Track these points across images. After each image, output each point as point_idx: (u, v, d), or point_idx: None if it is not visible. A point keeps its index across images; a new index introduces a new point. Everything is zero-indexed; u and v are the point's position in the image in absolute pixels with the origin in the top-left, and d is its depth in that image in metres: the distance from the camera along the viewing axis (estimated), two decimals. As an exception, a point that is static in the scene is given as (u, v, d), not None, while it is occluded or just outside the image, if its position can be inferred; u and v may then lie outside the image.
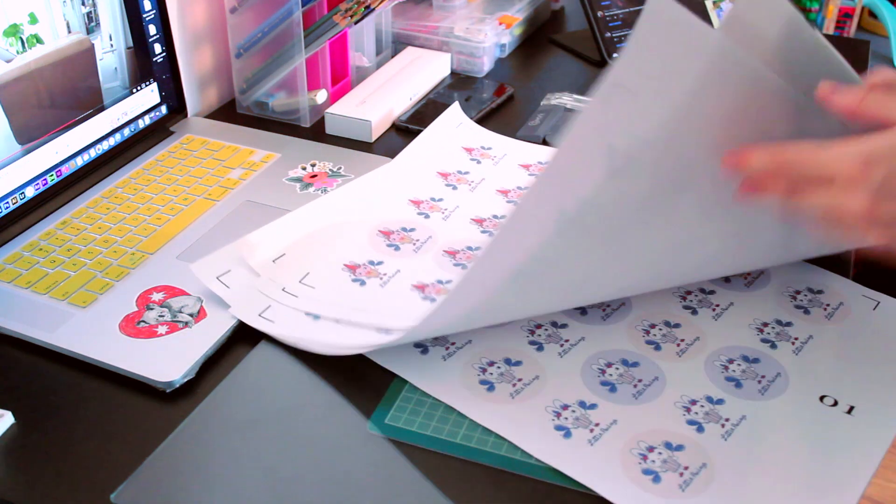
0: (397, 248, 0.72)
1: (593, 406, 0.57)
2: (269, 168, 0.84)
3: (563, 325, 0.63)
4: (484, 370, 0.59)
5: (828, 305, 0.65)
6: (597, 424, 0.55)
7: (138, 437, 0.56)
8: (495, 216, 0.76)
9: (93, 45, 0.78)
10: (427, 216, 0.76)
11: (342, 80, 0.97)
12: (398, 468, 0.54)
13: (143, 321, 0.64)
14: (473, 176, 0.82)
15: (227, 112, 0.97)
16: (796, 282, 0.68)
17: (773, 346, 0.62)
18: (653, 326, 0.63)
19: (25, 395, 0.59)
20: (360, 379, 0.60)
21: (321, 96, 0.93)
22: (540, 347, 0.61)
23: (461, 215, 0.77)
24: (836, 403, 0.57)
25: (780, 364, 0.60)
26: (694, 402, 0.57)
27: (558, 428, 0.55)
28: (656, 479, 0.52)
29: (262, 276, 0.67)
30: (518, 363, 0.59)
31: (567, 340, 0.62)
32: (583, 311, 0.64)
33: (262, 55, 0.92)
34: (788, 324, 0.64)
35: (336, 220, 0.74)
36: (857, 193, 0.49)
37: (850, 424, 0.56)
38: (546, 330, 0.62)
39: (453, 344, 0.61)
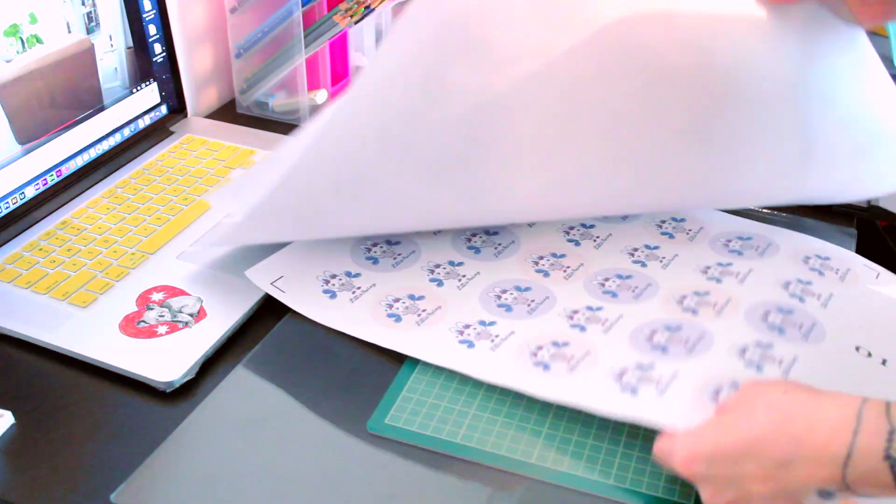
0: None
1: (651, 366, 0.57)
2: (269, 168, 0.83)
3: (609, 300, 0.64)
4: (535, 354, 0.59)
5: (838, 270, 0.68)
6: (659, 380, 0.55)
7: (138, 437, 0.56)
8: None
9: (93, 45, 0.78)
10: None
11: (342, 80, 0.97)
12: (398, 468, 0.54)
13: (143, 321, 0.64)
14: None
15: (227, 112, 0.97)
16: (804, 249, 0.70)
17: (801, 300, 0.63)
18: (684, 298, 0.64)
19: (25, 395, 0.59)
20: (360, 379, 0.60)
21: (321, 96, 0.93)
22: (583, 330, 0.61)
23: None
24: (870, 355, 0.58)
25: (813, 315, 0.62)
26: (746, 350, 0.57)
27: (617, 381, 0.55)
28: None
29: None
30: (566, 344, 0.60)
31: (607, 320, 0.62)
32: (613, 293, 0.65)
33: (262, 55, 0.92)
34: (809, 282, 0.66)
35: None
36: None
37: (885, 375, 0.57)
38: (583, 315, 0.63)
39: (498, 336, 0.62)
